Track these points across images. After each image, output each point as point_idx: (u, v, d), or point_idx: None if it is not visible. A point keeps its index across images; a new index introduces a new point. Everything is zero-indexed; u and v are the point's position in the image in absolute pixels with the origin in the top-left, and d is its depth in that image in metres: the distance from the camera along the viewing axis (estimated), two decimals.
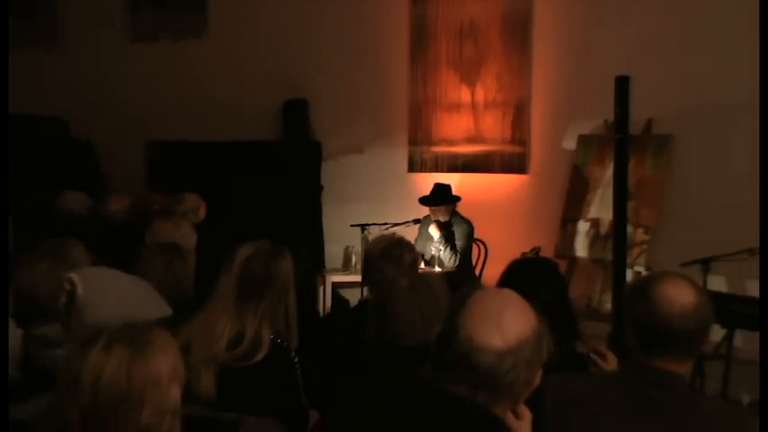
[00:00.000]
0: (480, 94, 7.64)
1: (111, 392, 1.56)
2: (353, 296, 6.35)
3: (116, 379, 1.56)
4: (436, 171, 7.63)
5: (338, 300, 6.65)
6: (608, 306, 6.25)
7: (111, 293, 2.55)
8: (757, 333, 5.24)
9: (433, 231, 6.30)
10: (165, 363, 1.63)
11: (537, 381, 1.70)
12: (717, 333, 5.01)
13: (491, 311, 1.65)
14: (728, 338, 5.03)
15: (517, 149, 7.47)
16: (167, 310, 2.62)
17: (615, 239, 5.61)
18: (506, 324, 1.63)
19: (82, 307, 2.47)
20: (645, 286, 2.13)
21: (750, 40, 6.30)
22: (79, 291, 2.48)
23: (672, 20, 6.64)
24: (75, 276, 2.52)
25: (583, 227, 6.94)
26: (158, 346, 1.64)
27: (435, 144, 7.85)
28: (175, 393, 1.64)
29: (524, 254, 5.90)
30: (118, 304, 2.48)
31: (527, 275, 3.01)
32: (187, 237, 4.17)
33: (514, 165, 7.48)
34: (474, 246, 6.57)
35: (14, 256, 3.10)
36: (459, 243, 6.29)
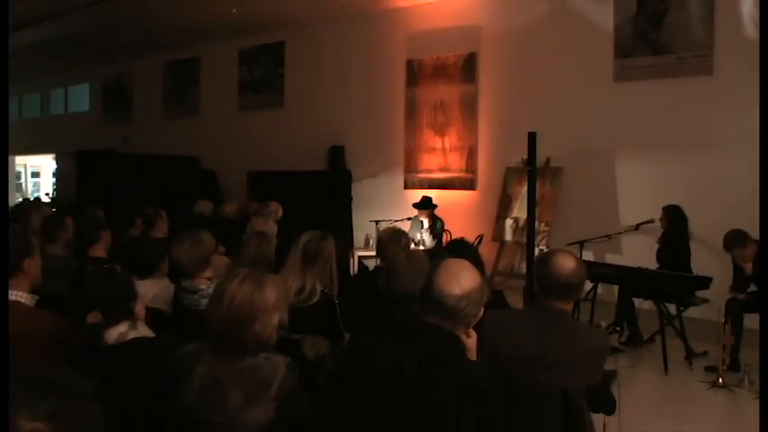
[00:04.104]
0: (447, 142, 7.64)
1: (239, 309, 1.55)
2: (371, 264, 6.32)
3: (243, 302, 1.56)
4: (421, 188, 7.61)
5: (362, 266, 6.62)
6: (524, 270, 6.25)
7: None
8: (609, 284, 5.23)
9: (424, 221, 6.31)
10: (272, 296, 1.61)
11: (480, 314, 1.69)
12: (587, 285, 4.99)
13: (453, 272, 1.63)
14: (594, 289, 5.02)
15: (470, 176, 7.46)
16: None
17: (528, 230, 5.62)
18: (462, 279, 1.61)
19: None
20: (545, 257, 2.11)
21: (608, 107, 6.30)
22: None
23: (560, 97, 6.62)
24: None
25: (509, 222, 6.92)
26: (270, 286, 1.63)
27: (420, 172, 7.85)
28: (275, 318, 1.62)
29: (451, 239, 5.88)
30: None
31: (459, 250, 2.96)
32: (271, 228, 4.17)
33: (468, 185, 7.47)
34: (444, 233, 6.55)
35: (169, 240, 3.10)
36: (435, 232, 6.27)
